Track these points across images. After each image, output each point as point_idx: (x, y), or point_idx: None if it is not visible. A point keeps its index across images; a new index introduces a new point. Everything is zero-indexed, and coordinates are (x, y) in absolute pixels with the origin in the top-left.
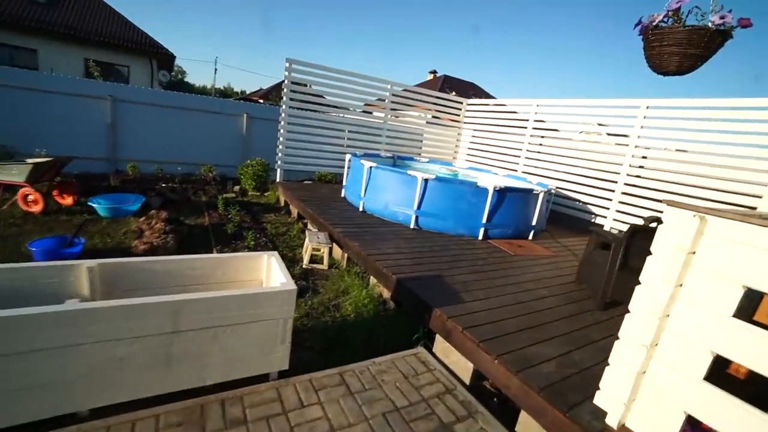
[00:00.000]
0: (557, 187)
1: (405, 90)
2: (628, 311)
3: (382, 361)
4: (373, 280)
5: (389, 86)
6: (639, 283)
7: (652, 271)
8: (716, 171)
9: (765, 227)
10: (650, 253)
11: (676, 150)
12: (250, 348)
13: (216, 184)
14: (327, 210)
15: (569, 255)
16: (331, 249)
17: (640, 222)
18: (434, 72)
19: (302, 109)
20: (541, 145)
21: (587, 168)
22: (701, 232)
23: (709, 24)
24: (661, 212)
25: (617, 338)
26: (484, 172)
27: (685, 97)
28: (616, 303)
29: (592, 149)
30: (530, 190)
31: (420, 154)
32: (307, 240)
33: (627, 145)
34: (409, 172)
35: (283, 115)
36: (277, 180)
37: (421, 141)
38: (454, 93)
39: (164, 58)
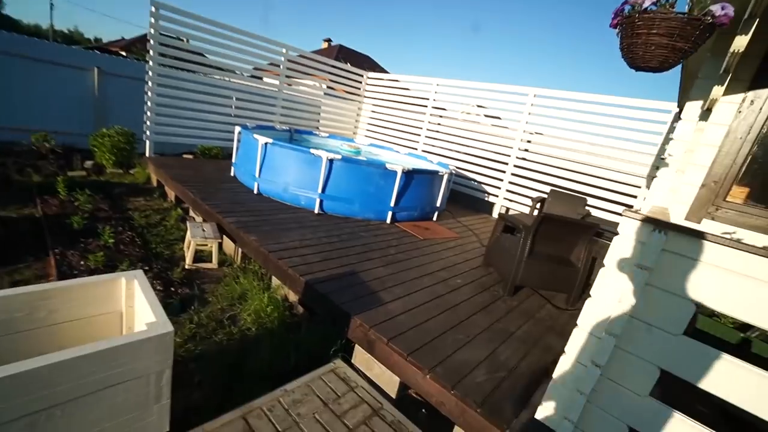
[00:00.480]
0: (456, 168)
1: (302, 56)
2: (553, 305)
3: (296, 387)
4: (276, 280)
5: (284, 50)
6: (546, 267)
7: (605, 287)
8: (598, 161)
9: (730, 248)
10: (557, 240)
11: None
12: (108, 421)
13: (56, 159)
14: (214, 194)
15: (471, 236)
16: (220, 243)
17: (528, 202)
18: (329, 40)
19: (177, 68)
20: (439, 125)
21: (482, 150)
22: (661, 249)
23: (707, 15)
24: (547, 194)
25: (562, 351)
26: (386, 149)
27: (569, 90)
28: (522, 287)
29: (487, 132)
30: (436, 172)
31: (318, 128)
32: (189, 233)
33: (516, 129)
34: (312, 151)
35: (150, 73)
36: (147, 154)
37: (320, 114)
38: (349, 65)
39: None
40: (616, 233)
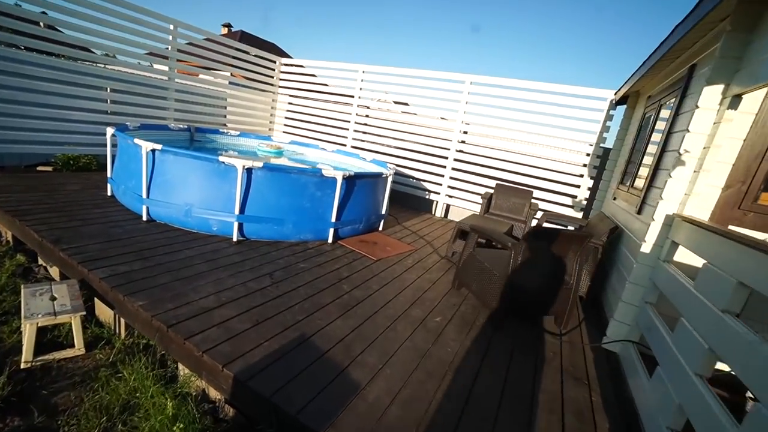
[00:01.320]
0: (393, 165)
1: (206, 40)
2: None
3: None
4: (185, 368)
5: (172, 27)
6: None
7: None
8: (539, 151)
9: None
10: (545, 254)
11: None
12: None
13: None
14: (76, 229)
15: (424, 245)
16: (86, 316)
17: (471, 198)
18: (228, 25)
19: (16, 46)
20: (367, 116)
21: (420, 144)
22: None
23: None
24: (492, 188)
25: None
26: (310, 147)
27: (507, 77)
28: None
29: (424, 124)
30: (380, 174)
31: (226, 125)
32: (23, 308)
33: (454, 120)
34: (223, 158)
35: None
36: None
37: (225, 108)
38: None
39: None
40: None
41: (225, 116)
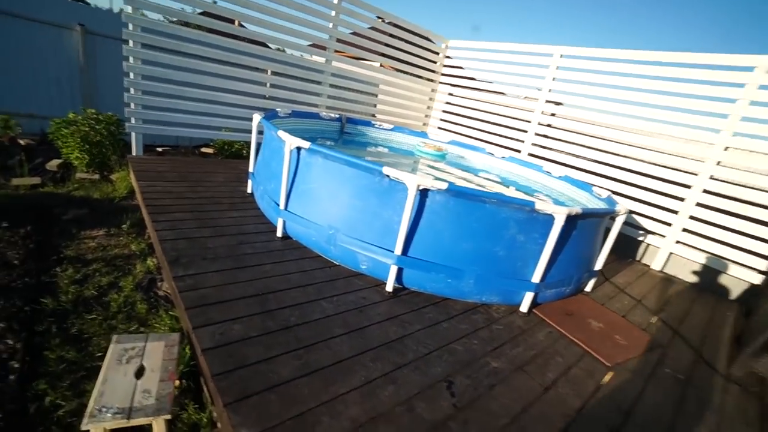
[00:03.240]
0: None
1: (370, 29)
2: None
3: None
4: None
5: (333, 12)
6: None
7: None
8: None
9: None
10: None
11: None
12: None
13: (13, 154)
14: (206, 241)
15: (664, 330)
16: (170, 421)
17: (735, 256)
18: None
19: (172, 21)
20: (553, 115)
21: (638, 161)
22: None
23: None
24: None
25: None
26: (475, 150)
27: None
28: None
29: (648, 132)
30: (608, 212)
31: (375, 116)
32: (100, 384)
33: (716, 132)
34: (389, 170)
35: (130, 27)
36: (133, 151)
37: (377, 96)
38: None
39: None
40: None
41: (375, 105)
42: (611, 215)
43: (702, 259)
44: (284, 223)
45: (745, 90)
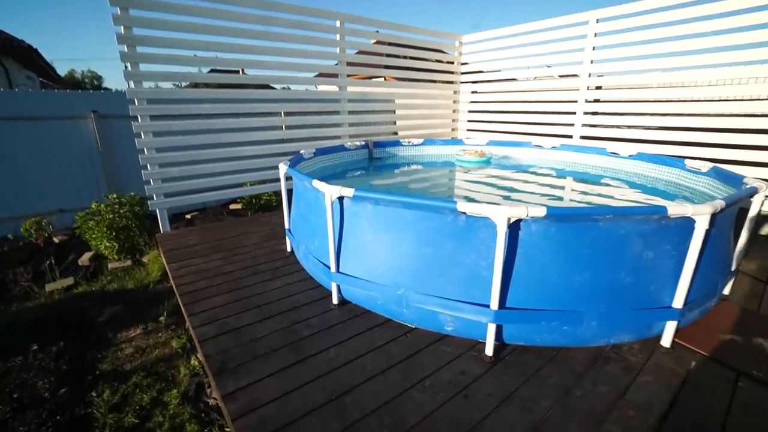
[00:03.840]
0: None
1: (376, 44)
2: None
3: None
4: None
5: (338, 25)
6: None
7: None
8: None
9: None
10: None
11: None
12: None
13: (47, 255)
14: (253, 329)
15: None
16: None
17: None
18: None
19: (185, 86)
20: (599, 89)
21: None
22: None
23: None
24: None
25: None
26: (520, 146)
27: None
28: None
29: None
30: (750, 193)
31: (397, 133)
32: None
33: None
34: (465, 205)
35: (136, 102)
36: (161, 228)
37: (395, 112)
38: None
39: (20, 53)
40: None
41: (395, 123)
42: (750, 195)
43: None
44: (338, 287)
45: None
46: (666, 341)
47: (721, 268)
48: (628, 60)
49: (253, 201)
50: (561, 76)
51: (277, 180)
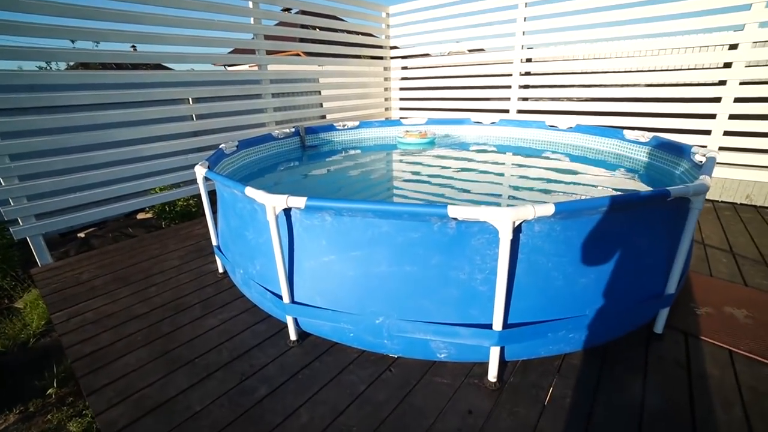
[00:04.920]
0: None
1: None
2: None
3: None
4: None
5: (250, 3)
6: None
7: None
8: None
9: None
10: None
11: None
12: None
13: None
14: (186, 412)
15: None
16: None
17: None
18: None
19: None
20: (529, 61)
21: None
22: None
23: None
24: None
25: None
26: (460, 123)
27: None
28: None
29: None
30: (712, 162)
31: (325, 116)
32: None
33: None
34: (456, 210)
35: None
36: (38, 261)
37: (320, 93)
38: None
39: None
40: None
41: (321, 104)
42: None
43: (745, 174)
44: (296, 321)
45: None
46: (659, 328)
47: (691, 244)
48: (558, 31)
49: (167, 209)
50: (475, 50)
51: (194, 182)
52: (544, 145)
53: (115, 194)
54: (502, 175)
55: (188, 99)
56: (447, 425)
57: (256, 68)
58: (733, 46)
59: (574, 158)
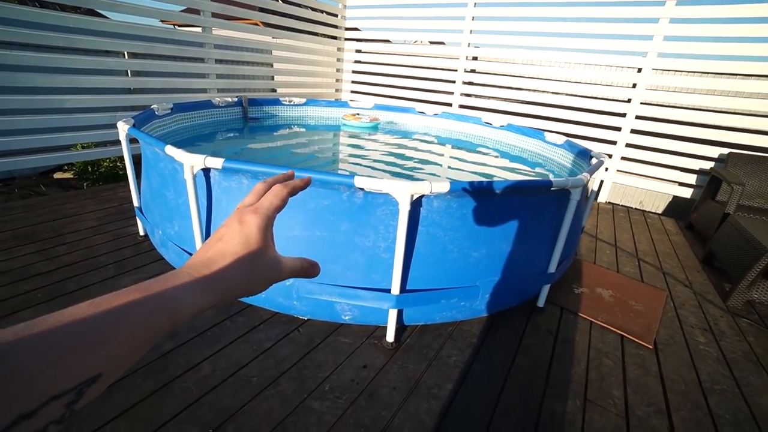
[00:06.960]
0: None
1: None
2: None
3: None
4: None
5: None
6: None
7: None
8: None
9: None
10: None
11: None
12: None
13: None
14: None
15: (654, 273)
16: None
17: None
18: None
19: None
20: (475, 59)
21: (582, 97)
22: None
23: None
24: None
25: None
26: (404, 111)
27: None
28: None
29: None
30: (600, 164)
31: (275, 90)
32: None
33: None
34: (363, 180)
35: None
36: None
37: (272, 65)
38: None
39: None
40: None
41: (272, 77)
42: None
43: (641, 183)
44: None
45: (665, 8)
46: (541, 302)
47: (577, 232)
48: (502, 34)
49: (89, 169)
50: (435, 43)
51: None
52: (479, 140)
53: (23, 146)
54: (433, 164)
55: (123, 53)
56: (342, 377)
57: (199, 30)
58: (639, 70)
59: (503, 154)
